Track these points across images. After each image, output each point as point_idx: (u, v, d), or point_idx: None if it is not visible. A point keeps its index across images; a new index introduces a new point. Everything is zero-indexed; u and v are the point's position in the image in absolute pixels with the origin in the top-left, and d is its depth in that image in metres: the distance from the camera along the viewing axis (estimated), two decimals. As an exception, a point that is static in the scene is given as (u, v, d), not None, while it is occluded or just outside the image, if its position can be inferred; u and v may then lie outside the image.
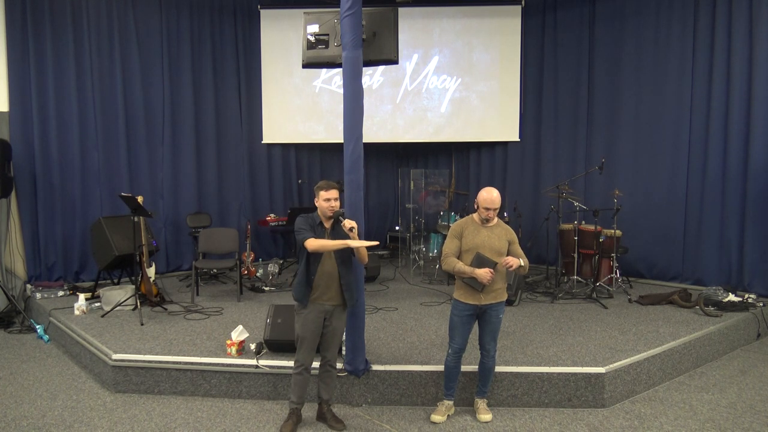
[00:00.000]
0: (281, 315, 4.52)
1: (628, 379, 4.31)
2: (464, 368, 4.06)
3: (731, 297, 6.00)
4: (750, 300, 6.02)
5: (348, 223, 3.57)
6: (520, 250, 3.84)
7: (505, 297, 3.88)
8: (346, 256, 3.72)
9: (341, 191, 4.11)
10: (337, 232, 3.69)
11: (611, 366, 4.23)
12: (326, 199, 3.64)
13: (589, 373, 4.15)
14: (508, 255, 3.79)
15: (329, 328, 3.75)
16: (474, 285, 3.72)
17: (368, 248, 3.73)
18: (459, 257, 3.80)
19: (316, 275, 3.64)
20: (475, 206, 3.86)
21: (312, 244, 3.53)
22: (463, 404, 4.12)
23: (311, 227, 3.64)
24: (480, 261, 3.70)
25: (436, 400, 4.13)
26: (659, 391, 4.46)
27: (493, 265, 3.68)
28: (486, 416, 3.92)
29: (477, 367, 4.00)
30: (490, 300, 3.79)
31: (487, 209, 3.76)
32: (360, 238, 3.78)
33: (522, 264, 3.74)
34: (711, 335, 5.16)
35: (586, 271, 6.90)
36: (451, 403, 4.02)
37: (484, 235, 3.79)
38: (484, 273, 3.63)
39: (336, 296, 3.70)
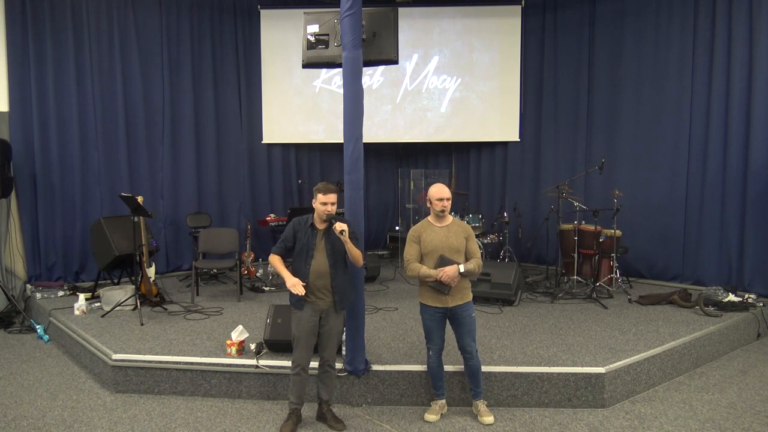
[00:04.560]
0: (281, 315, 4.52)
1: (628, 379, 4.31)
2: (455, 368, 4.05)
3: (731, 297, 6.00)
4: (750, 300, 6.02)
5: (339, 226, 3.58)
6: (474, 247, 3.79)
7: (470, 297, 3.84)
8: (338, 257, 3.73)
9: (341, 192, 4.11)
10: (331, 235, 3.70)
11: (611, 366, 4.22)
12: (323, 203, 3.66)
13: (589, 373, 4.14)
14: (465, 252, 3.76)
15: (325, 328, 3.75)
16: (440, 288, 3.69)
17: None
18: (421, 262, 3.78)
19: (309, 276, 3.66)
20: (428, 204, 3.84)
21: (271, 260, 3.88)
22: (462, 404, 4.12)
23: (297, 233, 3.74)
24: (443, 263, 3.67)
25: (435, 400, 4.14)
26: (659, 391, 4.46)
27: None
28: (488, 419, 3.86)
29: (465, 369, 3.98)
30: (458, 301, 3.76)
31: (440, 200, 3.74)
32: (359, 239, 3.80)
33: (462, 271, 3.64)
34: (711, 335, 5.16)
35: (586, 271, 6.90)
36: (443, 401, 4.01)
37: (442, 235, 3.76)
38: (450, 271, 3.60)
39: (329, 297, 3.71)
